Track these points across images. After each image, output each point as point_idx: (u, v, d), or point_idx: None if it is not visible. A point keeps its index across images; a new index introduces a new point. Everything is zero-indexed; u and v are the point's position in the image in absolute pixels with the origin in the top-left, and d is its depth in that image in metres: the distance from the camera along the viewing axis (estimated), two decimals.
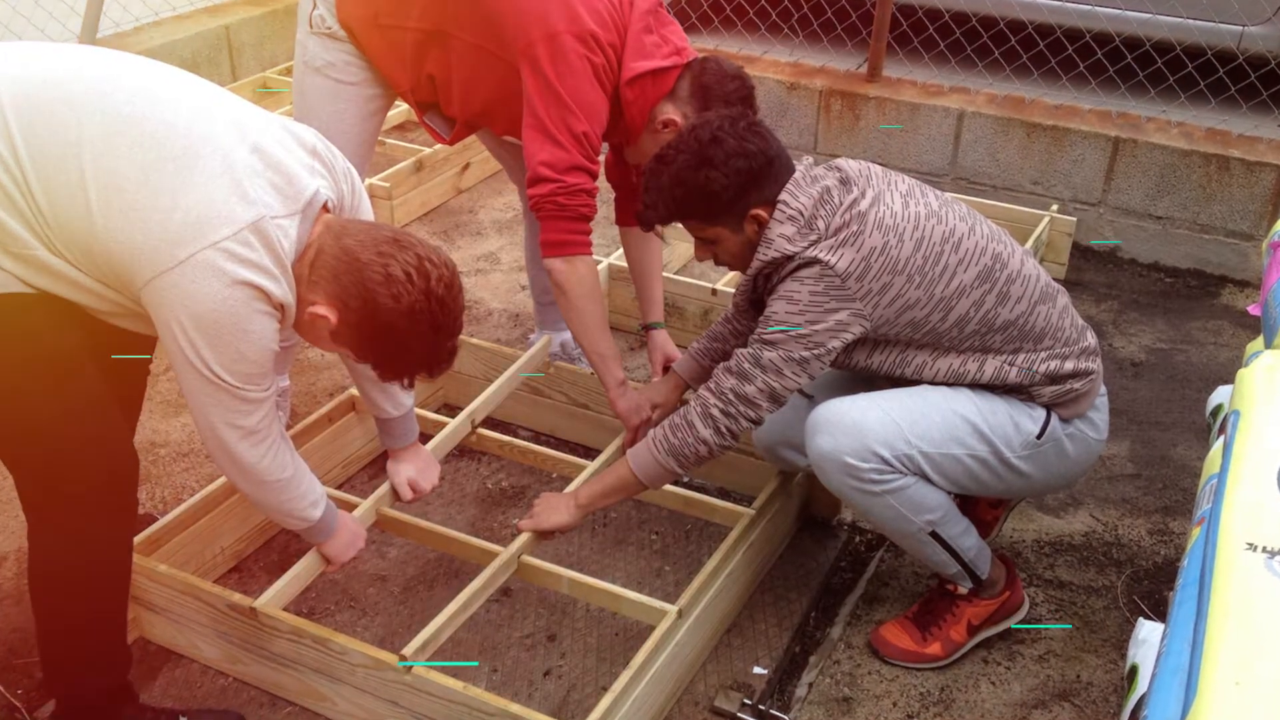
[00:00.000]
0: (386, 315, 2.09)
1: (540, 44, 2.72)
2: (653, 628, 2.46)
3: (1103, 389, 2.63)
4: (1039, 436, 2.51)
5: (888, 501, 2.47)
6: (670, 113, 2.83)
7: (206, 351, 2.05)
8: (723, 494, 3.17)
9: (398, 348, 2.15)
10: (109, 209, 1.97)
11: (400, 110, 5.17)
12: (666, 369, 3.06)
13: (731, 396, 2.46)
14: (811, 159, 2.54)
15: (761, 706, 2.56)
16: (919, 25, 5.13)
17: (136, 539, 2.53)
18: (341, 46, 2.96)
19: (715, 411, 2.48)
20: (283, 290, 2.08)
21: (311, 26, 2.96)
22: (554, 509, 2.67)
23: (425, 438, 2.93)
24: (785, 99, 5.10)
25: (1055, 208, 4.48)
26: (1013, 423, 2.49)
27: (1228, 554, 1.58)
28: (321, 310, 2.12)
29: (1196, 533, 1.82)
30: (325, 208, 2.18)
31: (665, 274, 3.54)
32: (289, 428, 3.06)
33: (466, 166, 5.04)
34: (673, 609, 2.48)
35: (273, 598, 2.49)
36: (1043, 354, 2.49)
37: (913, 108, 4.84)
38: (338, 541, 2.58)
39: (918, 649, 2.69)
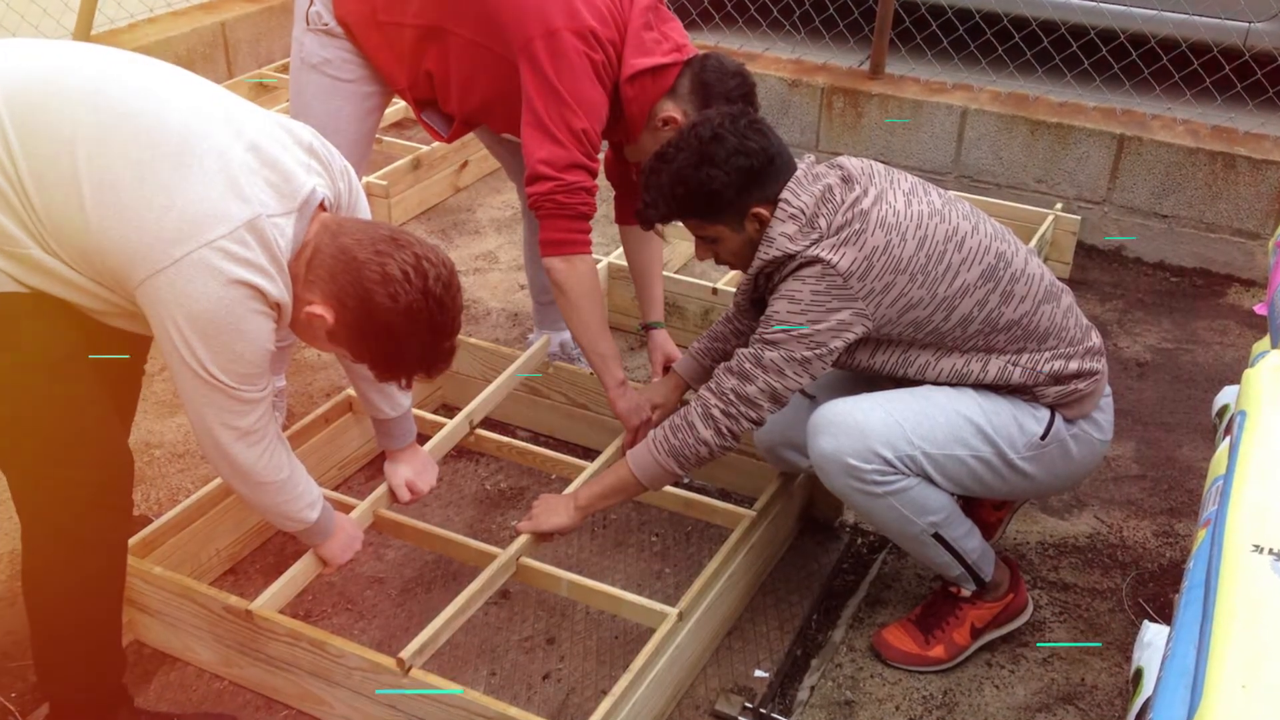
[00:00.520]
0: (384, 315, 2.09)
1: (539, 40, 2.72)
2: (653, 630, 2.46)
3: (1107, 389, 2.63)
4: (1043, 437, 2.51)
5: (890, 503, 2.47)
6: (670, 110, 2.83)
7: (202, 351, 2.05)
8: (723, 495, 3.17)
9: (395, 348, 2.15)
10: (103, 207, 1.97)
11: (398, 107, 5.16)
12: (667, 369, 3.06)
13: (732, 397, 2.46)
14: (813, 157, 2.54)
15: (763, 710, 2.56)
16: (922, 22, 5.13)
17: (131, 541, 2.53)
18: (338, 43, 2.96)
19: (716, 412, 2.48)
20: (279, 289, 2.08)
21: (308, 23, 2.96)
22: (553, 511, 2.67)
23: (423, 438, 2.93)
24: (787, 96, 5.10)
25: (1059, 206, 4.48)
26: (1016, 423, 2.49)
27: (1234, 556, 1.58)
28: (318, 310, 2.12)
29: (1202, 534, 1.82)
30: (322, 206, 2.18)
31: (665, 273, 3.54)
32: (285, 428, 3.06)
33: (465, 164, 5.04)
34: (673, 611, 2.48)
35: (269, 600, 2.49)
36: (1047, 354, 2.49)
37: (915, 105, 4.84)
38: (335, 543, 2.58)
39: (921, 652, 2.69)
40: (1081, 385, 2.52)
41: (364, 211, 2.39)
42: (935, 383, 2.51)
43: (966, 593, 2.70)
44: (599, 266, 3.78)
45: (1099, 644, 2.77)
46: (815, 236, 2.38)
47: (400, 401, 2.72)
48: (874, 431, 2.42)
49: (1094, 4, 4.94)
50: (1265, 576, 1.53)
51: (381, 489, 2.82)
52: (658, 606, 2.53)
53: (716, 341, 2.88)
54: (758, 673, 2.67)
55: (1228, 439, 2.07)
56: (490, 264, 4.46)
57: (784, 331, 2.40)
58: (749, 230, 2.47)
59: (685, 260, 4.34)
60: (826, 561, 3.01)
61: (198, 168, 2.00)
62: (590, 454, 3.23)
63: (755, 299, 2.64)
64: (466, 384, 3.47)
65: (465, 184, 5.08)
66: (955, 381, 2.50)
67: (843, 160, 2.52)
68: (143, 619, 2.66)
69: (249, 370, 2.12)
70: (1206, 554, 1.70)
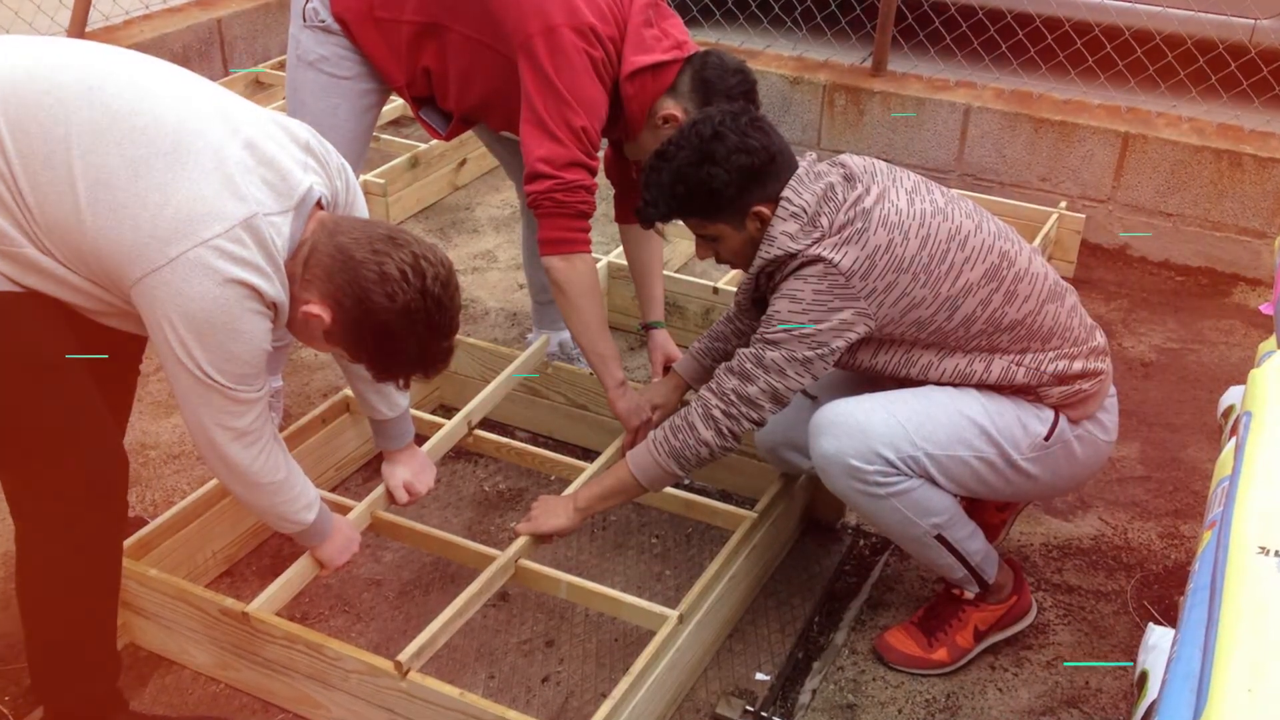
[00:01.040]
0: (381, 315, 2.09)
1: (538, 37, 2.72)
2: (653, 633, 2.46)
3: (1112, 389, 2.63)
4: (1047, 438, 2.51)
5: (893, 505, 2.47)
6: (671, 108, 2.83)
7: (198, 351, 2.05)
8: (724, 497, 3.17)
9: (393, 348, 2.15)
10: (98, 206, 1.97)
11: (395, 105, 5.16)
12: (667, 369, 3.06)
13: (733, 397, 2.46)
14: (815, 155, 2.54)
15: (764, 714, 2.56)
16: (925, 18, 5.13)
17: (126, 542, 2.53)
18: (335, 40, 2.96)
19: (717, 413, 2.48)
20: (275, 289, 2.08)
21: (305, 20, 2.96)
22: (552, 512, 2.67)
23: (421, 439, 2.93)
24: (788, 94, 5.10)
25: (1063, 204, 4.48)
26: (1020, 424, 2.49)
27: (1240, 558, 1.58)
28: (315, 309, 2.12)
29: (1208, 536, 1.82)
30: (319, 204, 2.18)
31: (666, 272, 3.54)
32: (282, 429, 3.06)
33: (463, 163, 5.04)
34: (673, 614, 2.48)
35: (265, 602, 2.49)
36: (1051, 354, 2.49)
37: (918, 102, 4.84)
38: (332, 545, 2.58)
39: (924, 655, 2.69)
40: (1086, 385, 2.52)
41: (361, 210, 2.39)
42: (938, 383, 2.51)
43: (970, 595, 2.70)
44: (598, 265, 3.78)
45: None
46: (817, 235, 2.38)
47: (398, 402, 2.72)
48: (876, 432, 2.42)
49: (1100, 0, 4.94)
50: (1271, 579, 1.53)
51: (379, 490, 2.82)
52: (658, 609, 2.53)
53: (717, 341, 2.88)
54: (759, 675, 2.67)
55: (1233, 440, 2.07)
56: (489, 263, 4.46)
57: (786, 331, 2.40)
58: (750, 229, 2.47)
59: (686, 259, 4.34)
60: (828, 563, 3.01)
61: (193, 166, 2.00)
62: (590, 455, 3.23)
63: (756, 298, 2.64)
64: (465, 384, 3.47)
65: (463, 182, 5.08)
66: (958, 382, 2.50)
67: (845, 158, 2.52)
68: (138, 621, 2.66)
69: (245, 370, 2.12)
70: (1212, 556, 1.70)
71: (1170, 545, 3.11)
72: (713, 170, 2.39)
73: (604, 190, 3.11)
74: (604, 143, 3.04)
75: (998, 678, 2.69)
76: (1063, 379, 2.49)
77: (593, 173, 2.83)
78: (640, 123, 2.88)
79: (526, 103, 2.79)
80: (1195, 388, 3.80)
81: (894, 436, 2.42)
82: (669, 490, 2.82)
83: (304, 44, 2.99)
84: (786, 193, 2.42)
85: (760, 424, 2.50)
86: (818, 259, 2.36)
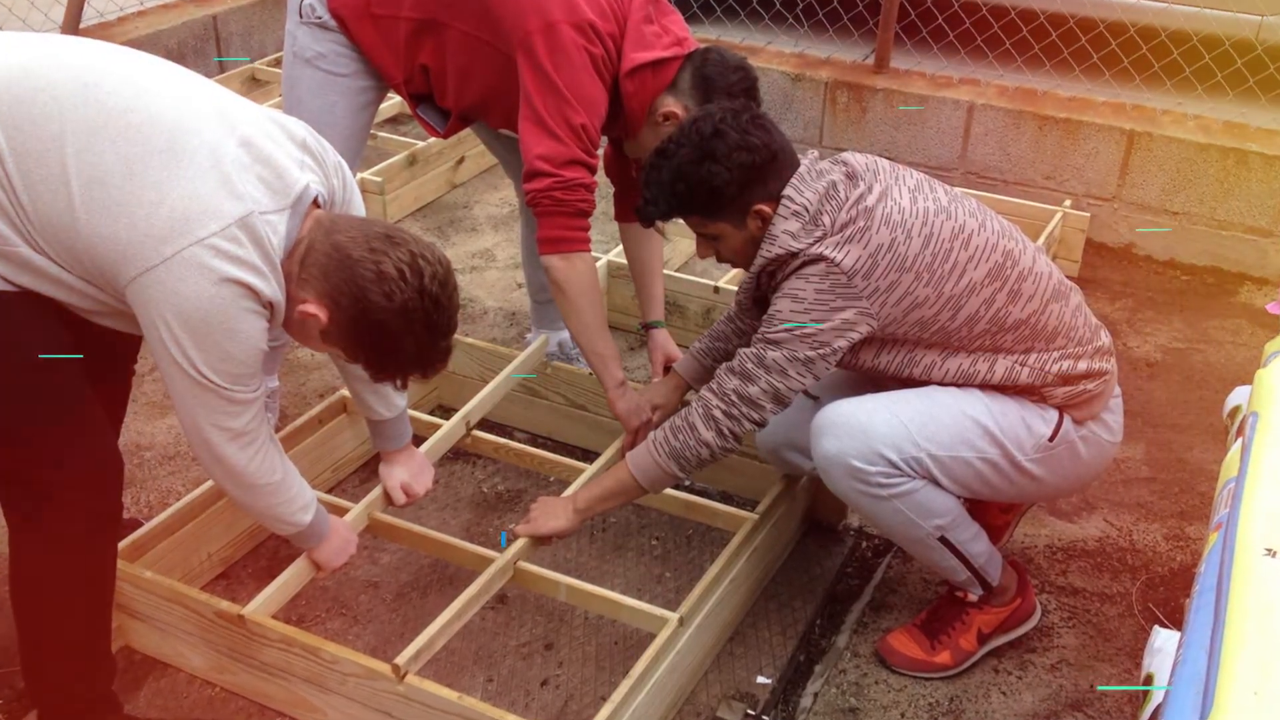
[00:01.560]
0: (379, 314, 2.09)
1: (537, 34, 2.72)
2: (653, 636, 2.46)
3: (1117, 390, 2.63)
4: (1051, 439, 2.51)
5: (895, 506, 2.47)
6: (671, 105, 2.83)
7: (193, 351, 2.05)
8: (725, 498, 3.17)
9: (390, 347, 2.15)
10: (92, 204, 1.97)
11: (393, 102, 5.16)
12: (667, 369, 3.06)
13: (734, 397, 2.46)
14: (817, 153, 2.54)
15: (765, 717, 2.56)
16: (928, 15, 5.13)
17: (121, 544, 2.53)
18: (332, 37, 2.96)
19: (717, 413, 2.48)
20: (272, 288, 2.08)
21: (301, 16, 2.96)
22: (551, 514, 2.67)
23: (419, 440, 2.92)
24: (790, 91, 5.10)
25: (1068, 203, 4.48)
26: (1024, 424, 2.49)
27: (1246, 560, 1.58)
28: (312, 309, 2.12)
29: (1214, 538, 1.82)
30: (315, 203, 2.18)
31: (666, 271, 3.54)
32: (278, 430, 3.06)
33: (461, 161, 5.04)
34: (674, 616, 2.48)
35: (261, 605, 2.49)
36: (1055, 354, 2.49)
37: (921, 99, 4.84)
38: (328, 547, 2.58)
39: (926, 658, 2.69)
40: (1090, 385, 2.52)
41: (358, 208, 2.39)
42: (941, 383, 2.51)
43: (973, 597, 2.70)
44: (598, 264, 3.78)
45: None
46: (819, 234, 2.38)
47: (396, 402, 2.72)
48: (878, 433, 2.42)
49: None
50: (1278, 581, 1.53)
51: (376, 491, 2.82)
52: (658, 611, 2.53)
53: (718, 341, 2.88)
54: (760, 679, 2.67)
55: (1240, 441, 2.08)
56: (487, 262, 4.46)
57: (787, 331, 2.40)
58: (751, 228, 2.47)
59: (686, 258, 4.34)
60: (830, 565, 3.01)
61: (189, 163, 2.00)
62: (589, 456, 3.23)
63: (757, 298, 2.64)
64: (463, 384, 3.47)
65: (461, 180, 5.09)
66: (962, 382, 2.50)
67: (847, 156, 2.52)
68: (133, 624, 2.66)
69: (241, 370, 2.12)
70: (1218, 558, 1.70)
71: (1176, 547, 3.11)
72: (713, 168, 2.39)
73: (604, 188, 3.11)
74: (603, 140, 3.04)
75: (1001, 681, 2.69)
76: (1067, 379, 2.49)
77: (592, 171, 2.83)
78: (640, 120, 2.88)
79: (525, 100, 2.79)
80: (1201, 388, 3.80)
81: (896, 437, 2.42)
82: (669, 491, 2.82)
83: (300, 40, 2.99)
84: (788, 191, 2.42)
85: (761, 425, 2.50)
86: (820, 258, 2.36)
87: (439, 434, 3.00)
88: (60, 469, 2.14)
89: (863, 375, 2.61)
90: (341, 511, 2.76)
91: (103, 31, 5.24)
